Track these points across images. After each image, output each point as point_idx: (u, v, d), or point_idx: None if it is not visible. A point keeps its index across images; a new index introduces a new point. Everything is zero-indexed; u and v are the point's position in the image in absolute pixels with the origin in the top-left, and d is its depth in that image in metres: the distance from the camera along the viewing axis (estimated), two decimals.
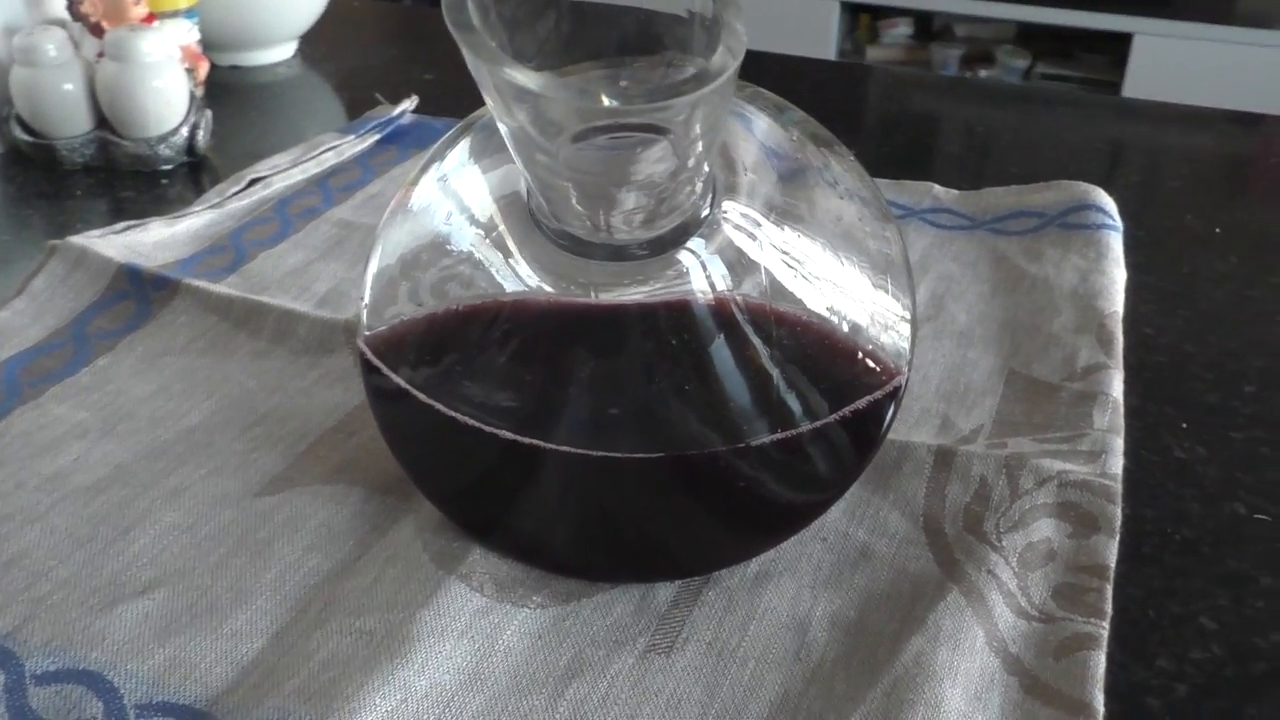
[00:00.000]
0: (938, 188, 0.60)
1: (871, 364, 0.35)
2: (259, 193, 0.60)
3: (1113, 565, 0.37)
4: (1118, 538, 0.38)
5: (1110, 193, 0.58)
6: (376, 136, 0.68)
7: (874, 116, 0.81)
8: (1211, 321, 0.52)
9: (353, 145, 0.66)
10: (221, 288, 0.50)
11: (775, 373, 0.34)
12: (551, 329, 0.35)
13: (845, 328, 0.35)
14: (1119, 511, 0.39)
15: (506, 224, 0.35)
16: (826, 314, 0.35)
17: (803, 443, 0.34)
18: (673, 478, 0.35)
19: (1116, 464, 0.41)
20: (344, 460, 0.41)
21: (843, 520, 0.39)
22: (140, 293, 0.50)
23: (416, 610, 0.35)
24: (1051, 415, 0.44)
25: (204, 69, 0.73)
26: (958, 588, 0.36)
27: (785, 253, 0.35)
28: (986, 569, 0.36)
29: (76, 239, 0.52)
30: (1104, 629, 0.35)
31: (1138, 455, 0.43)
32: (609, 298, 0.34)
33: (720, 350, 0.34)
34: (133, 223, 0.55)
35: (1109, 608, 0.35)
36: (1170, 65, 2.05)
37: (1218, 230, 0.60)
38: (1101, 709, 0.32)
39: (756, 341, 0.34)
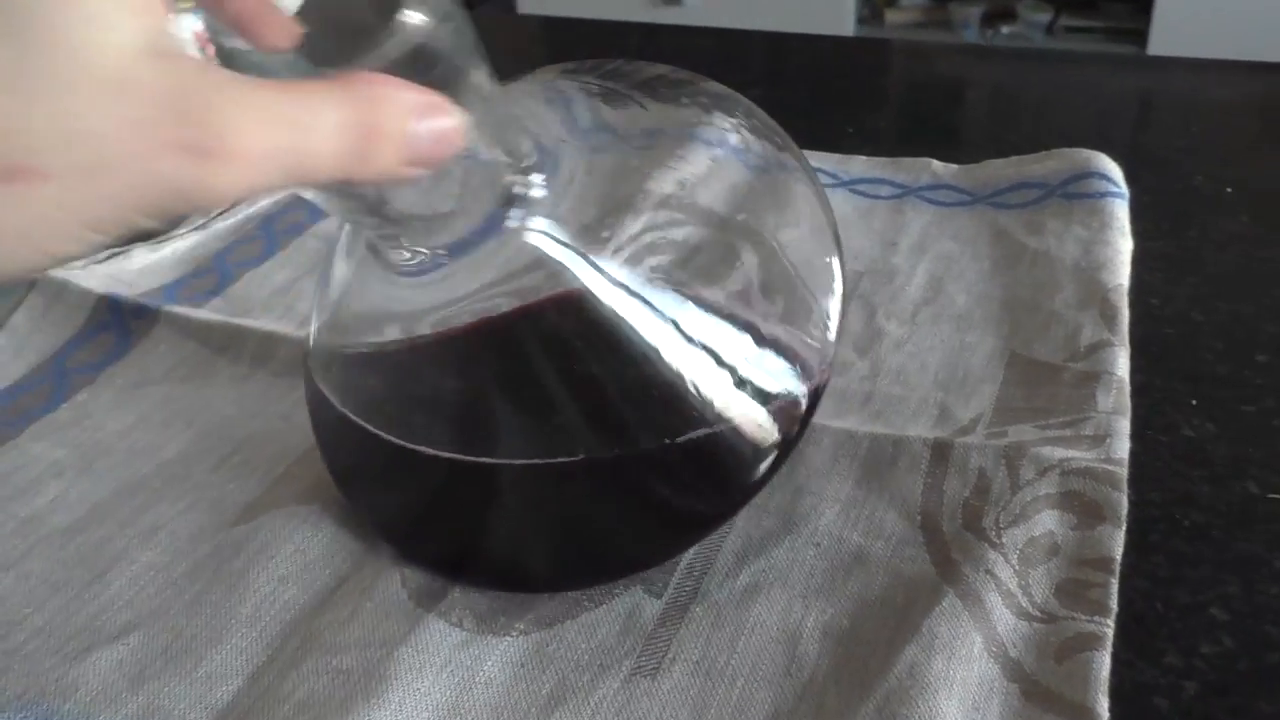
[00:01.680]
0: (936, 163, 0.58)
1: (779, 363, 0.34)
2: (243, 211, 0.59)
3: (1118, 558, 0.35)
4: (1124, 528, 0.36)
5: (1113, 156, 0.55)
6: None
7: (879, 94, 0.79)
8: (1220, 286, 0.50)
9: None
10: (203, 313, 0.49)
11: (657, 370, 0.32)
12: (436, 350, 0.34)
13: (741, 327, 0.34)
14: (1125, 499, 0.37)
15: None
16: (718, 313, 0.33)
17: (685, 450, 0.33)
18: (559, 482, 0.34)
19: (1122, 448, 0.39)
20: (318, 479, 0.40)
21: (836, 523, 0.38)
22: (120, 323, 0.49)
23: (394, 647, 0.34)
24: (1054, 399, 0.42)
25: None
26: (954, 590, 0.34)
27: (645, 246, 0.33)
28: (985, 569, 0.35)
29: (57, 271, 0.51)
30: (1108, 627, 0.33)
31: (1144, 436, 0.41)
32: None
33: (573, 354, 0.33)
34: (115, 250, 0.54)
35: (1114, 604, 0.34)
36: (1197, 11, 2.00)
37: (1228, 190, 0.58)
38: (1105, 713, 0.31)
39: (609, 345, 0.32)
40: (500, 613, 0.35)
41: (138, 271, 0.53)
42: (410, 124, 0.24)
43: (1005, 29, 2.30)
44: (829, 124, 0.69)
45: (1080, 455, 0.38)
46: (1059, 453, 0.39)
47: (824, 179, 0.58)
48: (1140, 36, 2.09)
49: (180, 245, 0.56)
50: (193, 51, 0.31)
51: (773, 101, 0.72)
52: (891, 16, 2.38)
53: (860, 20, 2.32)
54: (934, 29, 2.34)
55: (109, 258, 0.53)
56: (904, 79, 0.80)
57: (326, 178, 0.22)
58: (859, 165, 0.59)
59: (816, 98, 0.73)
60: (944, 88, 0.78)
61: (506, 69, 0.31)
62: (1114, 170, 0.55)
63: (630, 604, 0.36)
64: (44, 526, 0.39)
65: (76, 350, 0.48)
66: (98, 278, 0.51)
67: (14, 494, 0.41)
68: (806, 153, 0.59)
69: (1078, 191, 0.53)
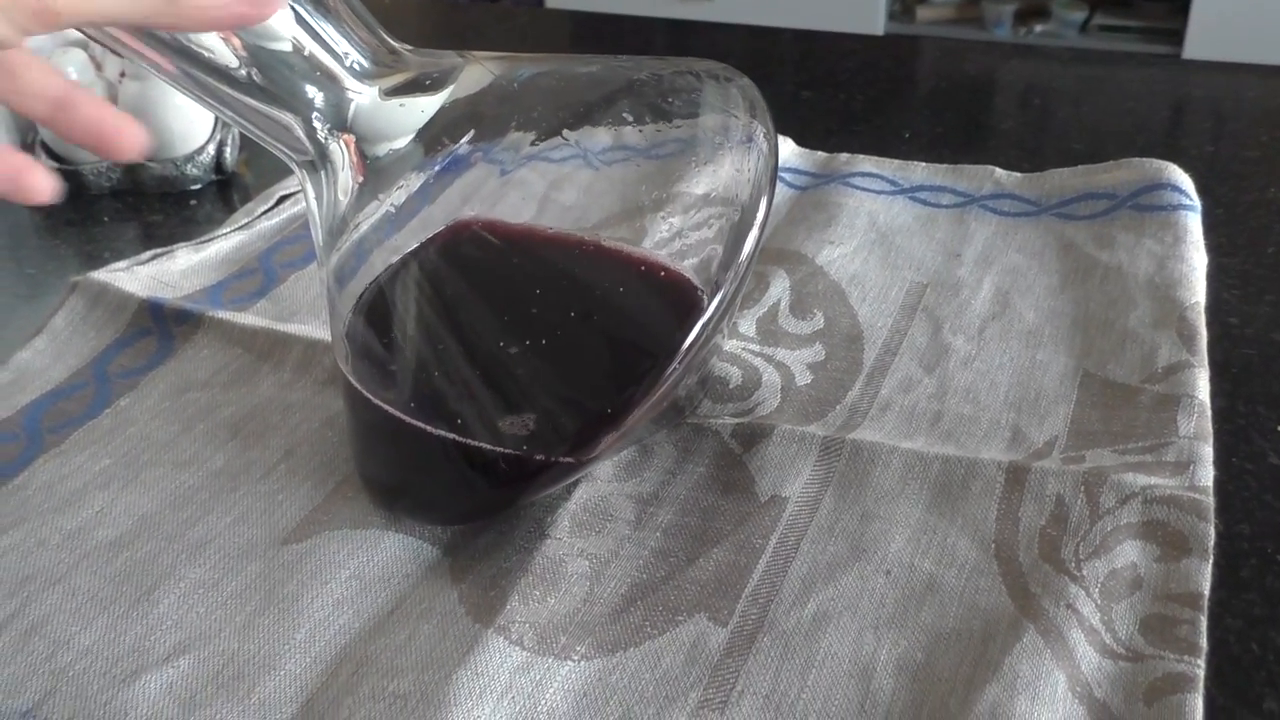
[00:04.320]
0: (999, 171, 0.56)
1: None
2: (289, 210, 0.58)
3: (1206, 592, 0.33)
4: (1211, 560, 0.34)
5: (1182, 167, 0.54)
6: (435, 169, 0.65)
7: (923, 94, 0.77)
8: None
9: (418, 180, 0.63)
10: (247, 318, 0.48)
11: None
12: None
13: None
14: (1212, 530, 0.35)
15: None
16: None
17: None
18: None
19: (1206, 475, 0.37)
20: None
21: (907, 549, 0.36)
22: (162, 328, 0.48)
23: (453, 670, 0.33)
24: (1132, 422, 0.41)
25: None
26: (1034, 626, 0.33)
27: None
28: (1065, 603, 0.34)
29: (99, 274, 0.50)
30: (1199, 667, 0.32)
31: (1228, 464, 0.39)
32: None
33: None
34: (159, 251, 0.53)
35: (1204, 642, 0.32)
36: (1236, 10, 1.97)
37: None
38: None
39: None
40: (561, 630, 0.34)
41: (181, 273, 0.52)
42: None
43: (1038, 27, 2.28)
44: (883, 128, 0.67)
45: (1163, 482, 0.37)
46: (1140, 480, 0.37)
47: (884, 186, 0.56)
48: (1177, 36, 2.06)
49: (224, 245, 0.54)
50: (217, 43, 0.32)
51: (824, 105, 0.70)
52: (923, 13, 2.35)
53: (891, 16, 2.30)
54: (966, 26, 2.31)
55: (152, 258, 0.52)
56: (946, 78, 0.78)
57: (140, 17, 0.29)
58: (919, 172, 0.57)
59: (867, 100, 0.72)
60: (990, 88, 0.76)
61: None
62: (1185, 181, 0.53)
63: (694, 632, 0.34)
64: (90, 540, 0.38)
65: (118, 355, 0.47)
66: (141, 280, 0.50)
67: (59, 505, 0.40)
68: (865, 158, 0.58)
69: (1149, 203, 0.52)
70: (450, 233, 0.37)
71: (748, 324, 0.47)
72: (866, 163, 0.58)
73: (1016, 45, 2.23)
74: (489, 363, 0.35)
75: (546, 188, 0.37)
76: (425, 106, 0.36)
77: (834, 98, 0.72)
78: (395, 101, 0.36)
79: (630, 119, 0.37)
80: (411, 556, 0.37)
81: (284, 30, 0.34)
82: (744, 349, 0.45)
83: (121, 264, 0.52)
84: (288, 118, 0.34)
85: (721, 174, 0.35)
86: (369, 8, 0.36)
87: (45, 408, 0.44)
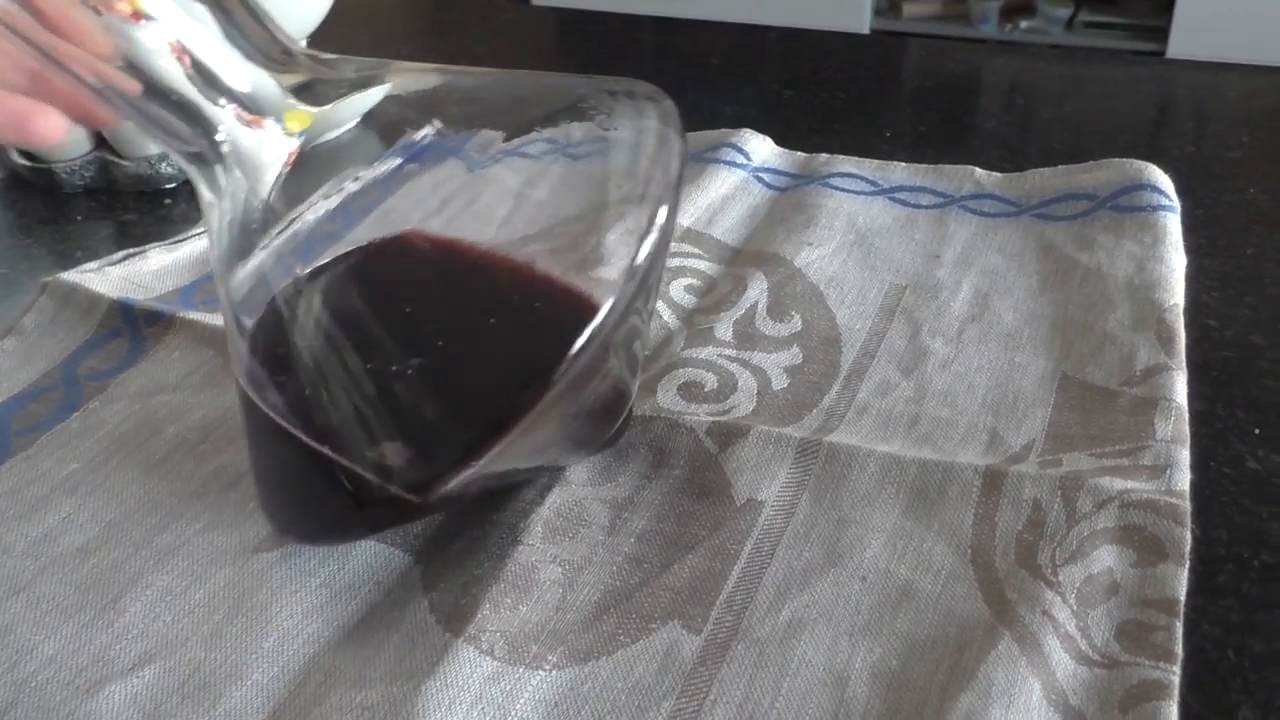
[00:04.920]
0: (979, 171, 0.56)
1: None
2: None
3: (1183, 598, 0.33)
4: (1187, 565, 0.34)
5: (1163, 167, 0.53)
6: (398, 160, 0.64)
7: (906, 93, 0.77)
8: None
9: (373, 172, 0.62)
10: (219, 319, 0.47)
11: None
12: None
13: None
14: (1188, 535, 0.35)
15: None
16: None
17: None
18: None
19: (1183, 479, 0.37)
20: None
21: (883, 555, 0.36)
22: (133, 329, 0.47)
23: (422, 681, 0.32)
24: (1109, 425, 0.40)
25: None
26: (1010, 633, 0.33)
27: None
28: (1041, 609, 0.33)
29: (69, 275, 0.49)
30: (1174, 674, 0.31)
31: (1206, 468, 0.39)
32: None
33: None
34: (132, 251, 0.52)
35: (1179, 649, 0.32)
36: (1220, 8, 1.97)
37: None
38: None
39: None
40: (532, 639, 0.34)
41: (153, 273, 0.52)
42: None
43: (1024, 23, 2.28)
44: (865, 127, 0.67)
45: (1140, 487, 0.37)
46: (1118, 484, 0.37)
47: (863, 186, 0.56)
48: (1161, 34, 2.07)
49: (197, 246, 0.54)
50: (167, 62, 0.30)
51: (806, 104, 0.70)
52: (909, 9, 2.35)
53: (877, 12, 2.29)
54: (952, 22, 2.31)
55: (125, 259, 0.52)
56: (930, 77, 0.78)
57: None
58: (899, 173, 0.57)
59: (850, 99, 0.71)
60: (973, 87, 0.76)
61: (520, 63, 0.31)
62: (1165, 182, 0.53)
63: (668, 640, 0.34)
64: (56, 547, 0.38)
65: (88, 356, 0.46)
66: (112, 281, 0.50)
67: (25, 511, 0.39)
68: (845, 159, 0.58)
69: (1128, 204, 0.51)
70: (354, 254, 0.36)
71: (724, 328, 0.46)
72: (846, 163, 0.58)
73: (1001, 43, 2.23)
74: (373, 381, 0.33)
75: (467, 201, 0.36)
76: (342, 109, 0.36)
77: (816, 96, 0.71)
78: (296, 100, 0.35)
79: (546, 131, 0.36)
80: (383, 564, 0.37)
81: (172, 24, 0.33)
82: (720, 354, 0.45)
83: (93, 264, 0.51)
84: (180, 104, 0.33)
85: (627, 183, 0.35)
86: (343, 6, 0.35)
87: (14, 410, 0.44)
